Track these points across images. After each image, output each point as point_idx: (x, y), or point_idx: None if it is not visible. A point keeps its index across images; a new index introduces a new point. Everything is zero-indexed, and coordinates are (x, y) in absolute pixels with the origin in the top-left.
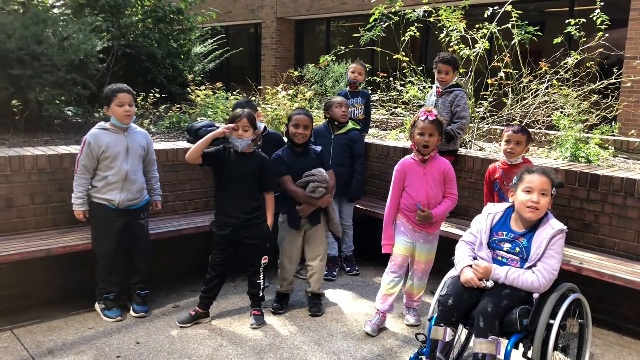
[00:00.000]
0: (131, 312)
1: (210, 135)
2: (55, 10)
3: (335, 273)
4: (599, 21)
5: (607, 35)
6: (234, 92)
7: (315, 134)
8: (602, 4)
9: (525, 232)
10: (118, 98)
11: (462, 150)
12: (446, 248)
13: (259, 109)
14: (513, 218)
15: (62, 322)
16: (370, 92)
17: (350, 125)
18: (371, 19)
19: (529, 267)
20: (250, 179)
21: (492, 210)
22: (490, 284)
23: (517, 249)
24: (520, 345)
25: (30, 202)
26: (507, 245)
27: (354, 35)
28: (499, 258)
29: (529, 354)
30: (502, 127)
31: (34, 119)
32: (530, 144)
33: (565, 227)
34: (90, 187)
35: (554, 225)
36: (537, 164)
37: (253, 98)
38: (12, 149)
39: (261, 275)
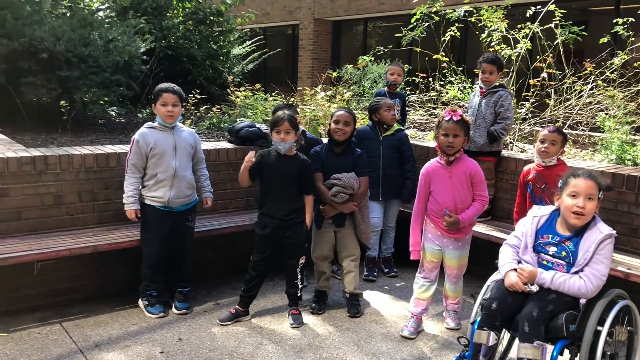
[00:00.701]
0: (173, 309)
1: (244, 167)
2: (101, 14)
3: (375, 273)
4: None
5: None
6: (273, 93)
7: (362, 136)
8: None
9: (572, 235)
10: (162, 98)
11: (504, 152)
12: (489, 251)
13: (298, 112)
14: (559, 221)
15: (107, 317)
16: (409, 92)
17: (396, 126)
18: (413, 19)
19: (576, 272)
20: (291, 180)
21: (538, 213)
22: (535, 288)
23: (564, 253)
24: (567, 351)
25: (78, 200)
26: (552, 249)
27: (395, 35)
28: (544, 262)
29: None
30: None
31: (80, 119)
32: (567, 146)
33: (614, 232)
34: (141, 186)
35: (603, 229)
36: (579, 166)
37: (292, 100)
38: (61, 148)
39: (299, 275)
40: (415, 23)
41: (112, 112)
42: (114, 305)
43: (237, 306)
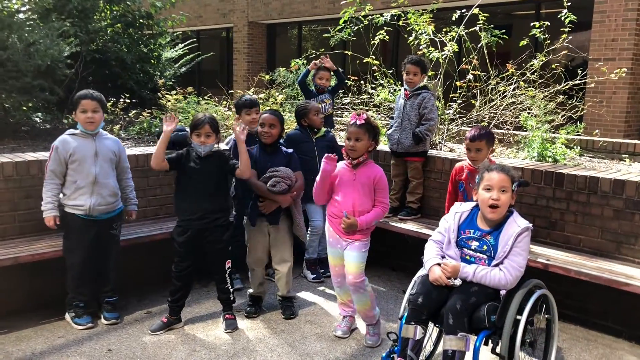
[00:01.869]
0: (102, 319)
1: (164, 136)
2: (21, 16)
3: (322, 272)
4: (567, 21)
5: (571, 37)
6: (205, 97)
7: (294, 140)
8: (569, 4)
9: (492, 230)
10: (81, 105)
11: (432, 152)
12: (417, 248)
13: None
14: (479, 217)
15: (31, 332)
16: (341, 95)
17: (323, 128)
18: (341, 21)
19: (496, 265)
20: (212, 180)
21: (459, 209)
22: (458, 282)
23: (485, 247)
24: (489, 341)
25: None
26: (474, 244)
27: (324, 35)
28: (467, 257)
29: (498, 350)
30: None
31: (1, 126)
32: (495, 144)
33: (530, 225)
34: (61, 195)
35: (520, 223)
36: (504, 163)
37: (225, 103)
38: None
39: (228, 280)
40: (343, 25)
41: (37, 119)
42: (39, 319)
43: (168, 314)
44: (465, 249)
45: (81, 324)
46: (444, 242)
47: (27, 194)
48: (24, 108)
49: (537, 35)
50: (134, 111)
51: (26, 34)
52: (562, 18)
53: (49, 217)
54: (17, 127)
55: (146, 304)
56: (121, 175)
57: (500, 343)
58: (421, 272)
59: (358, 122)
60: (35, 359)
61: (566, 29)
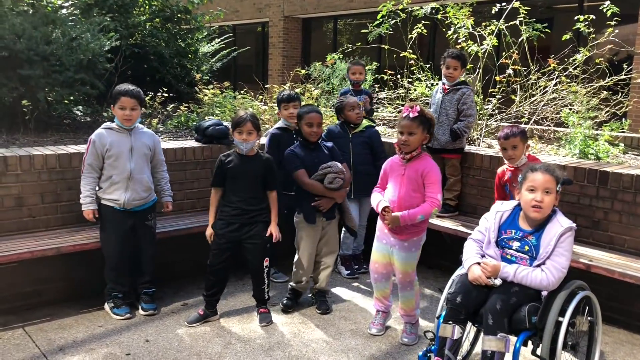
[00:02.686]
0: (140, 310)
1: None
2: (64, 11)
3: (356, 268)
4: (609, 13)
5: (616, 31)
6: (242, 91)
7: (331, 134)
8: None
9: (534, 230)
10: (120, 101)
11: (470, 148)
12: (456, 246)
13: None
14: (521, 216)
15: (72, 320)
16: (377, 89)
17: (365, 122)
18: (379, 16)
19: (538, 265)
20: (253, 181)
21: (501, 209)
22: (498, 282)
23: (527, 247)
24: (530, 342)
25: (40, 201)
26: (516, 244)
27: (361, 31)
28: (508, 257)
29: (538, 352)
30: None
31: (43, 118)
32: (533, 141)
33: (574, 225)
34: (98, 188)
35: (563, 223)
36: (545, 160)
37: (261, 97)
38: (22, 149)
39: (266, 281)
40: (381, 19)
41: (78, 112)
42: (79, 308)
43: (204, 307)
44: (506, 249)
45: (120, 315)
46: (484, 241)
47: (69, 185)
48: (66, 101)
49: (581, 29)
50: (172, 105)
51: (69, 29)
52: (605, 10)
53: (87, 211)
54: (59, 121)
55: (182, 296)
56: (156, 168)
57: (541, 345)
58: (459, 271)
59: (411, 115)
60: (76, 346)
61: (612, 22)
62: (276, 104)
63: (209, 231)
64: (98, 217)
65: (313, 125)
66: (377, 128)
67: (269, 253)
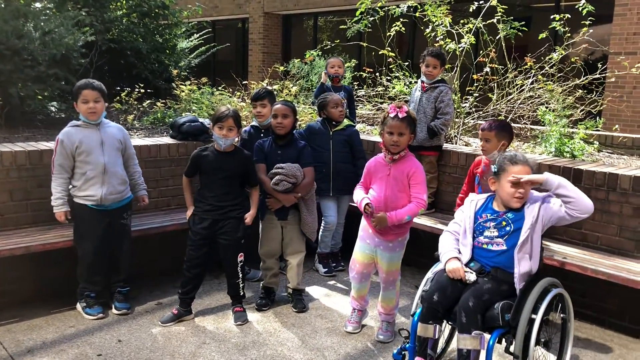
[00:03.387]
0: (113, 310)
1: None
2: (37, 5)
3: (334, 265)
4: (584, 12)
5: (591, 31)
6: (220, 88)
7: (312, 131)
8: None
9: (507, 210)
10: (82, 95)
11: (447, 146)
12: (430, 243)
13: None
14: (495, 202)
15: (42, 321)
16: (356, 87)
17: (347, 122)
18: (357, 12)
19: (524, 240)
20: (229, 177)
21: (475, 198)
22: (473, 277)
23: (504, 223)
24: (503, 340)
25: (9, 199)
26: (492, 224)
27: (340, 27)
28: (484, 246)
29: (512, 349)
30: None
31: (16, 114)
32: (510, 139)
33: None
34: (71, 187)
35: (536, 197)
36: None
37: (238, 94)
38: None
39: (240, 275)
40: (360, 16)
41: (52, 108)
42: (50, 309)
43: (178, 306)
44: (480, 238)
45: (92, 314)
46: (460, 232)
47: (40, 183)
48: (39, 97)
49: (557, 28)
50: (148, 101)
51: (42, 23)
52: (580, 8)
53: (59, 213)
54: (33, 117)
55: (157, 295)
56: (128, 162)
57: (514, 342)
58: (435, 269)
59: (400, 115)
60: (46, 348)
61: (587, 22)
62: None
63: (190, 213)
64: (71, 218)
65: (278, 117)
66: (356, 126)
67: (243, 248)
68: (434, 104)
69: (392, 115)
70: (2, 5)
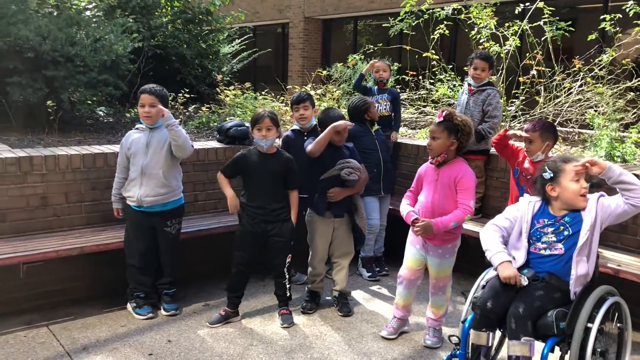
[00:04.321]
0: (161, 311)
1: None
2: (88, 13)
3: (377, 270)
4: (631, 13)
5: None
6: (262, 92)
7: (355, 135)
8: None
9: (564, 215)
10: (140, 99)
11: (494, 150)
12: (479, 249)
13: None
14: (550, 208)
15: (95, 320)
16: (399, 90)
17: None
18: (402, 12)
19: (584, 242)
20: (274, 178)
21: (532, 199)
22: (525, 282)
23: (561, 228)
24: (557, 349)
25: (64, 201)
26: (550, 229)
27: (383, 25)
28: (542, 252)
29: (566, 358)
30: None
31: (67, 119)
32: (554, 140)
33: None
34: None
35: (591, 197)
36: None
37: (282, 98)
38: (47, 149)
39: (287, 276)
40: (404, 16)
41: (101, 112)
42: (102, 308)
43: (226, 307)
44: (538, 244)
45: (142, 314)
46: (511, 231)
47: (93, 185)
48: (89, 102)
49: (606, 29)
50: (193, 106)
51: (93, 31)
52: (627, 10)
53: (114, 209)
54: (83, 121)
55: (204, 296)
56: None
57: (569, 351)
58: (487, 276)
59: (437, 120)
60: (100, 346)
61: (638, 22)
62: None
63: (233, 202)
64: (123, 216)
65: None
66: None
67: (292, 250)
68: (481, 107)
69: (438, 120)
70: (55, 14)
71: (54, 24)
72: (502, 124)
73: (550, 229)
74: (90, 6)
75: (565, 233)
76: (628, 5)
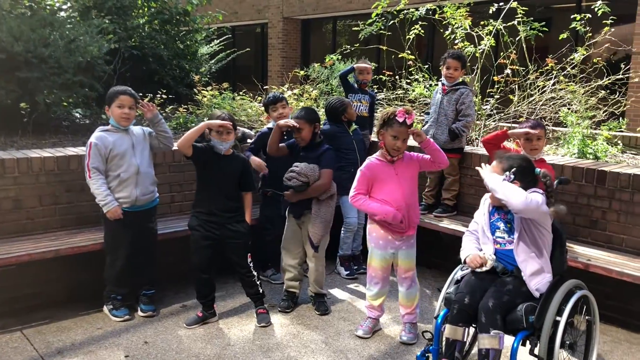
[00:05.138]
0: (139, 312)
1: (202, 125)
2: (62, 13)
3: (355, 268)
4: (600, 12)
5: (613, 30)
6: (240, 92)
7: (331, 135)
8: None
9: (508, 210)
10: (119, 100)
11: (468, 148)
12: (452, 246)
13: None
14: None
15: (71, 323)
16: (376, 90)
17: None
18: (373, 14)
19: (518, 236)
20: (231, 180)
21: (487, 196)
22: (491, 260)
23: (509, 224)
24: (527, 342)
25: (38, 204)
26: (502, 225)
27: (353, 29)
28: (499, 246)
29: (536, 351)
30: (509, 125)
31: (42, 121)
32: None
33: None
34: None
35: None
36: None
37: (259, 99)
38: (20, 151)
39: (254, 273)
40: (375, 18)
41: (77, 114)
42: (78, 311)
43: (202, 309)
44: (497, 237)
45: (119, 316)
46: (479, 230)
47: (68, 187)
48: (65, 104)
49: (577, 28)
50: (171, 107)
51: (67, 31)
52: (596, 9)
53: (114, 209)
54: (58, 123)
55: (182, 297)
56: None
57: (538, 344)
58: (459, 272)
59: (408, 122)
60: (75, 349)
61: (608, 22)
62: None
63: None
64: (104, 222)
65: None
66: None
67: (250, 249)
68: (455, 107)
69: (400, 119)
70: (28, 15)
71: (26, 24)
72: (477, 122)
73: (502, 224)
74: (65, 7)
75: (509, 227)
76: (597, 5)
